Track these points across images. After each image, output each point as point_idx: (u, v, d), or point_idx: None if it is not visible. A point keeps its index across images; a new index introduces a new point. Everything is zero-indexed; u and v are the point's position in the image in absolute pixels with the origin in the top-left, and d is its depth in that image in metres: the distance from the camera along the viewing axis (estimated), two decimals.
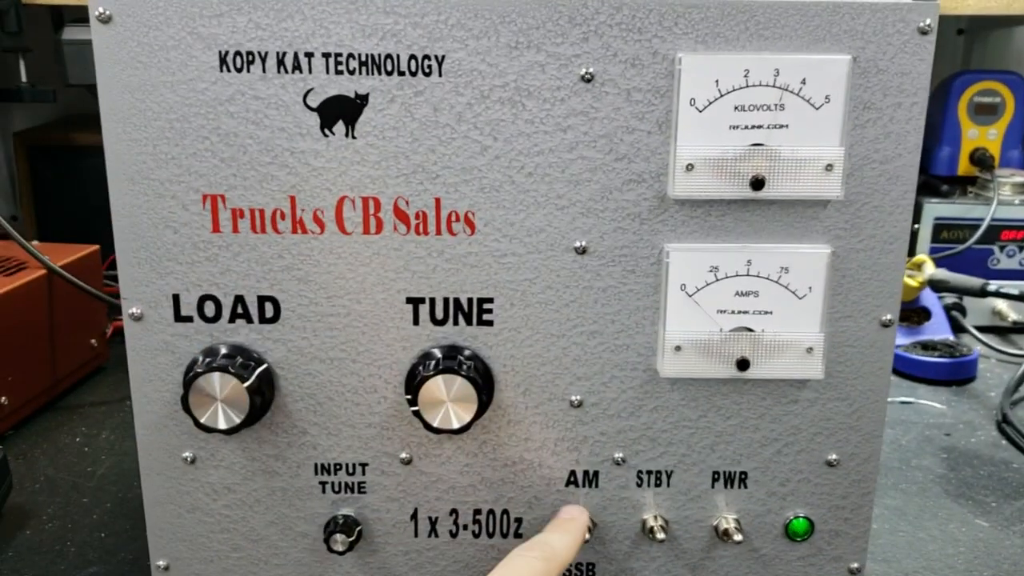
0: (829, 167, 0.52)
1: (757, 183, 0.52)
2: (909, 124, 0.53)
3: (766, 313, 0.55)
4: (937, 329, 1.07)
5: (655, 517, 0.59)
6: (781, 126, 0.52)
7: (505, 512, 0.59)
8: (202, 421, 0.54)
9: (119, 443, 0.84)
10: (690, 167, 0.52)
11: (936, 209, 1.13)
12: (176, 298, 0.55)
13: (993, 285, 1.00)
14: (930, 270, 1.04)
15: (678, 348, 0.56)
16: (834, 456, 0.58)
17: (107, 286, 1.01)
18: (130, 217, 0.54)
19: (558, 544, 0.55)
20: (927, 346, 1.03)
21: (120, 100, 0.52)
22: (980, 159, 1.17)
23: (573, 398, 0.57)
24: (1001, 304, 1.13)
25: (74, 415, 0.90)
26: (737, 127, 0.52)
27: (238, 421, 0.54)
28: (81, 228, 1.10)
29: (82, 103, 1.34)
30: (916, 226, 1.14)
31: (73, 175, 1.19)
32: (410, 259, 0.55)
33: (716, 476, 0.59)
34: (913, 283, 1.04)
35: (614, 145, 0.53)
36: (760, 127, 0.52)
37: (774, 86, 0.51)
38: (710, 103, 0.51)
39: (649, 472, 0.59)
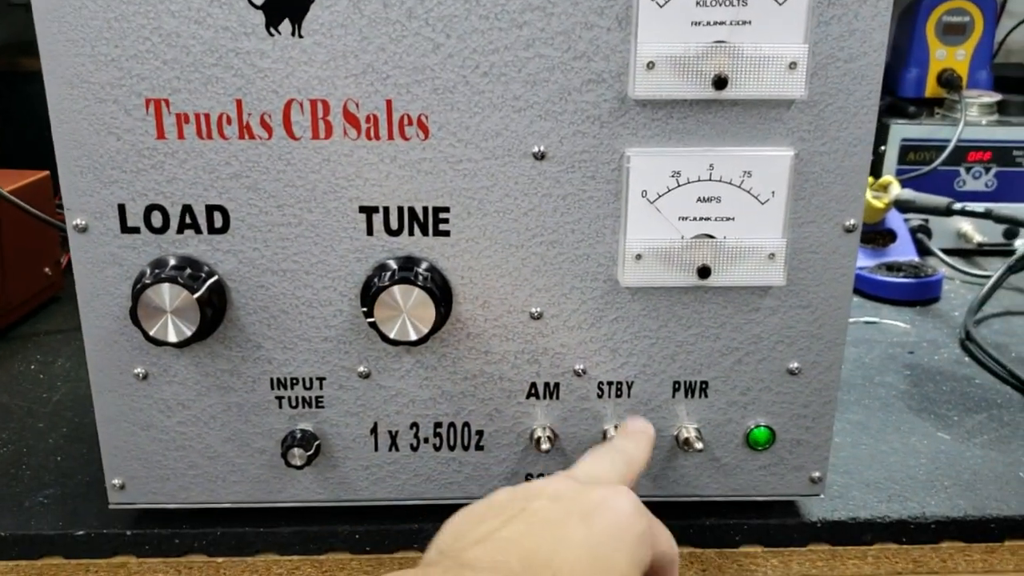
0: (793, 65, 0.51)
1: (720, 82, 0.51)
2: (874, 21, 0.51)
3: (728, 219, 0.54)
4: (902, 251, 1.06)
5: (616, 427, 0.58)
6: (744, 22, 0.50)
7: (466, 425, 0.59)
8: (151, 334, 0.53)
9: (75, 370, 0.82)
10: (651, 65, 0.50)
11: (903, 130, 1.12)
12: (122, 208, 0.53)
13: (959, 205, 1.00)
14: (896, 190, 1.04)
15: (639, 257, 0.55)
16: (795, 364, 0.58)
17: (60, 214, 0.98)
18: (70, 123, 0.52)
19: (634, 451, 0.53)
20: (892, 267, 1.03)
21: None
22: (948, 80, 1.16)
23: (533, 310, 0.56)
24: (966, 226, 1.13)
25: (28, 343, 0.88)
26: (699, 23, 0.50)
27: (189, 333, 0.53)
28: (31, 155, 1.07)
29: (29, 28, 1.30)
30: (883, 148, 1.13)
31: (22, 101, 1.16)
32: (362, 165, 0.53)
33: (677, 386, 0.58)
34: (879, 204, 1.04)
35: (572, 43, 0.51)
36: (723, 23, 0.50)
37: None
38: None
39: (610, 383, 0.58)
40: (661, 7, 0.50)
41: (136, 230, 0.54)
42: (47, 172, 0.95)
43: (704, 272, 0.55)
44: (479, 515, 0.46)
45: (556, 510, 0.45)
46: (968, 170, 1.13)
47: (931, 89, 1.18)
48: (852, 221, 0.55)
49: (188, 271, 0.53)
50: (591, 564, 0.43)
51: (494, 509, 0.46)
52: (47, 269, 0.95)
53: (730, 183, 0.53)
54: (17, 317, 0.92)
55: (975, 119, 1.13)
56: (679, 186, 0.53)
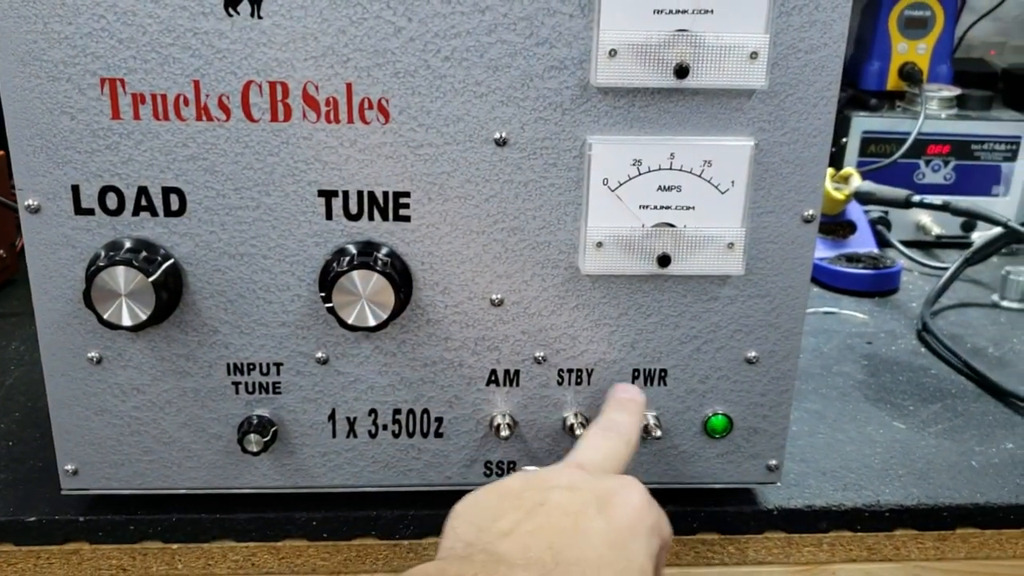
0: (754, 55, 0.51)
1: (681, 71, 0.51)
2: (835, 12, 0.51)
3: (688, 208, 0.54)
4: (862, 242, 1.07)
5: (576, 415, 0.58)
6: (706, 11, 0.50)
7: (425, 412, 0.58)
8: (105, 317, 0.52)
9: (29, 354, 0.81)
10: (613, 53, 0.50)
11: (864, 123, 1.13)
12: (76, 189, 0.52)
13: (917, 197, 1.01)
14: (856, 182, 1.05)
15: (599, 244, 0.55)
16: (753, 353, 0.58)
17: (16, 195, 0.96)
18: (22, 102, 0.51)
19: (629, 426, 0.54)
20: (852, 258, 1.04)
21: None
22: (909, 74, 1.17)
23: (493, 296, 0.56)
24: (925, 218, 1.15)
25: None
26: (661, 11, 0.50)
27: (144, 317, 0.52)
28: None
29: None
30: (844, 140, 1.14)
31: None
32: (321, 149, 0.52)
33: (636, 374, 0.58)
34: (840, 196, 1.04)
35: (535, 28, 0.51)
36: (685, 12, 0.50)
37: None
38: None
39: (570, 370, 0.58)
40: None
41: (90, 212, 0.53)
42: (1, 152, 0.93)
43: (664, 260, 0.55)
44: (494, 505, 0.47)
45: (574, 501, 0.46)
46: (927, 163, 1.15)
47: (892, 82, 1.20)
48: (811, 211, 0.55)
49: (143, 254, 0.52)
50: (614, 557, 0.44)
51: (510, 499, 0.47)
52: (2, 251, 0.94)
53: (690, 172, 0.53)
54: None
55: (935, 113, 1.15)
56: (640, 174, 0.53)
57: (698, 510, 0.61)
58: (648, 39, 0.50)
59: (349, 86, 0.51)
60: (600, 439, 0.53)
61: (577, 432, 0.57)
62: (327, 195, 0.53)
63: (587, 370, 0.58)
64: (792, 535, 0.63)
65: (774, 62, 0.52)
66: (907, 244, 1.12)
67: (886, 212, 1.13)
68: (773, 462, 0.61)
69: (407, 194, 0.54)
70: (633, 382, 0.58)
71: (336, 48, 0.50)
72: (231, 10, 0.49)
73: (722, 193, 0.54)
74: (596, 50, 0.51)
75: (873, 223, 1.11)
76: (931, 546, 0.64)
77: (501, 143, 0.53)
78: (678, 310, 0.57)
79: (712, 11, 0.50)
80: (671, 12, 0.50)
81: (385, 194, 0.53)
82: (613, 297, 0.56)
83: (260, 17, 0.50)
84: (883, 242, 1.11)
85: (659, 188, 0.54)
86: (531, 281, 0.56)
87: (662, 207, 0.54)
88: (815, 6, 0.51)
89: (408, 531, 0.61)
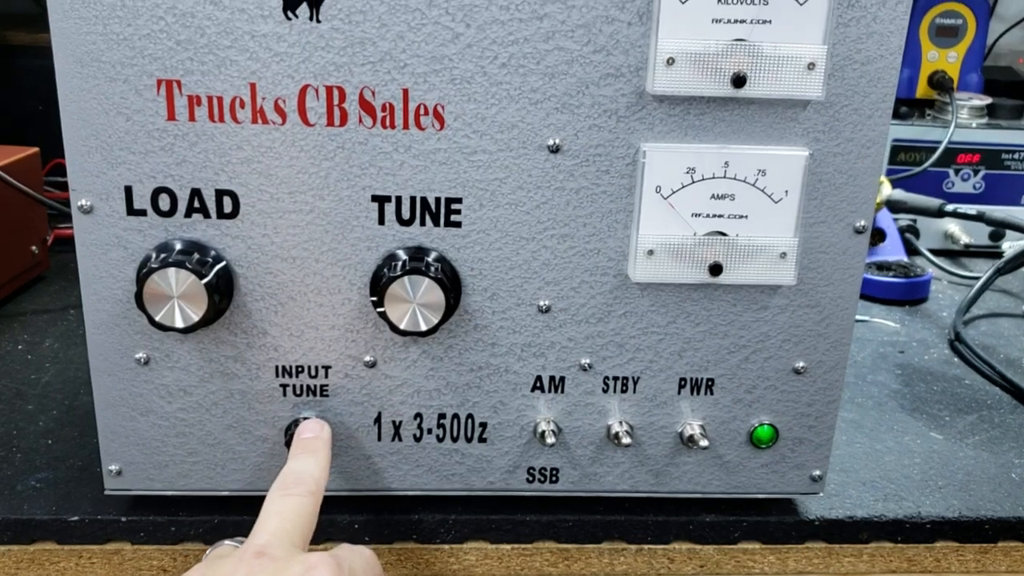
0: (811, 66, 0.51)
1: (738, 80, 0.51)
2: (893, 24, 0.51)
3: (741, 217, 0.54)
4: (892, 251, 1.07)
5: (620, 423, 0.58)
6: (764, 21, 0.50)
7: (470, 417, 0.58)
8: (157, 319, 0.52)
9: (63, 351, 0.81)
10: (671, 61, 0.50)
11: (894, 131, 1.13)
12: (128, 190, 0.52)
13: (951, 206, 1.00)
14: (887, 191, 1.04)
15: (650, 252, 0.54)
16: (801, 364, 0.58)
17: (47, 191, 0.96)
18: (79, 102, 0.51)
19: (313, 469, 0.52)
20: (882, 267, 1.03)
21: None
22: (939, 82, 1.17)
23: (541, 303, 0.56)
24: (954, 228, 1.14)
25: (14, 323, 0.87)
26: (720, 21, 0.50)
27: (196, 319, 0.52)
28: (17, 131, 1.05)
29: (16, 1, 1.28)
30: None
31: (10, 76, 1.14)
32: (376, 154, 0.52)
33: (683, 383, 0.58)
34: None
35: (592, 36, 0.51)
36: (743, 22, 0.50)
37: None
38: None
39: (616, 378, 0.58)
40: (683, 3, 0.50)
41: (143, 213, 0.53)
42: (36, 149, 0.93)
43: (716, 269, 0.55)
44: None
45: None
46: (957, 172, 1.14)
47: (922, 90, 1.19)
48: (862, 222, 0.55)
49: (196, 256, 0.52)
50: None
51: None
52: (34, 248, 0.94)
53: (744, 181, 0.53)
54: (2, 296, 0.90)
55: (965, 121, 1.14)
56: (693, 183, 0.53)
57: (740, 519, 0.61)
58: (706, 48, 0.50)
59: (405, 92, 0.51)
60: (280, 502, 0.50)
61: (623, 441, 0.57)
62: (380, 200, 0.53)
63: (633, 378, 0.58)
64: (832, 545, 0.63)
65: (830, 73, 0.52)
66: (935, 253, 1.12)
67: (914, 220, 1.13)
68: (817, 472, 0.61)
69: (459, 200, 0.54)
70: (679, 391, 0.58)
71: (394, 53, 0.50)
72: (290, 13, 0.49)
73: (775, 202, 0.54)
74: (654, 58, 0.51)
75: (902, 231, 1.11)
76: (972, 559, 0.64)
77: (554, 150, 0.53)
78: (727, 319, 0.57)
79: (770, 21, 0.50)
80: (729, 21, 0.50)
81: (437, 200, 0.53)
82: (662, 305, 0.56)
83: (319, 21, 0.50)
84: (911, 250, 1.11)
85: (712, 196, 0.54)
86: (579, 288, 0.56)
87: (715, 215, 0.54)
88: (872, 18, 0.51)
89: (449, 535, 0.61)
